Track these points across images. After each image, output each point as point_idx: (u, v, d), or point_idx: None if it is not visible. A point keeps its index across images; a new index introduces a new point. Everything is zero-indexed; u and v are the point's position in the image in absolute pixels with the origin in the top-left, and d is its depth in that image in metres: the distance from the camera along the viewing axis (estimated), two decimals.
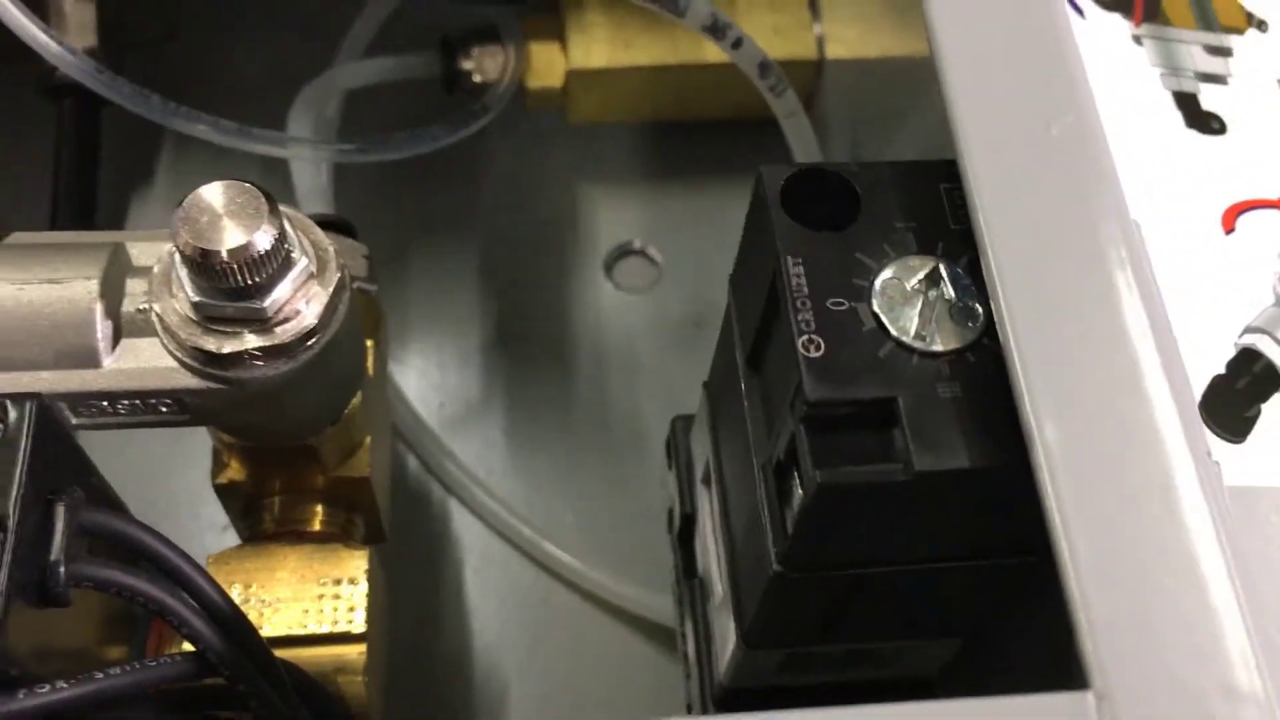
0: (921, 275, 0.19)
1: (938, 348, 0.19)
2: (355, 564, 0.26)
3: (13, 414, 0.20)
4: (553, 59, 0.37)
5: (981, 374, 0.19)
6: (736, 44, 0.32)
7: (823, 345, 0.19)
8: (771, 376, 0.21)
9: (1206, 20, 0.32)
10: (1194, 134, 0.29)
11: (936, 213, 0.20)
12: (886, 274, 0.19)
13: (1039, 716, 0.15)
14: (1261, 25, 0.32)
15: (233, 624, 0.22)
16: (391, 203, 0.39)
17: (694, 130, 0.39)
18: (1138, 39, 0.31)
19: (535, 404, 0.37)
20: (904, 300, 0.19)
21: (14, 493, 0.19)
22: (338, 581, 0.25)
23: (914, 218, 0.20)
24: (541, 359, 0.38)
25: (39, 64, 0.33)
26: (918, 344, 0.19)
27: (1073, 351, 0.18)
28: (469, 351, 0.38)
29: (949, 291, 0.19)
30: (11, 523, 0.19)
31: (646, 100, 0.38)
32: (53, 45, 0.32)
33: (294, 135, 0.35)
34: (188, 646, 0.22)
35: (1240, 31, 0.32)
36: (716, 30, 0.32)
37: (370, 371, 0.27)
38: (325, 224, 0.28)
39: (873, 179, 0.21)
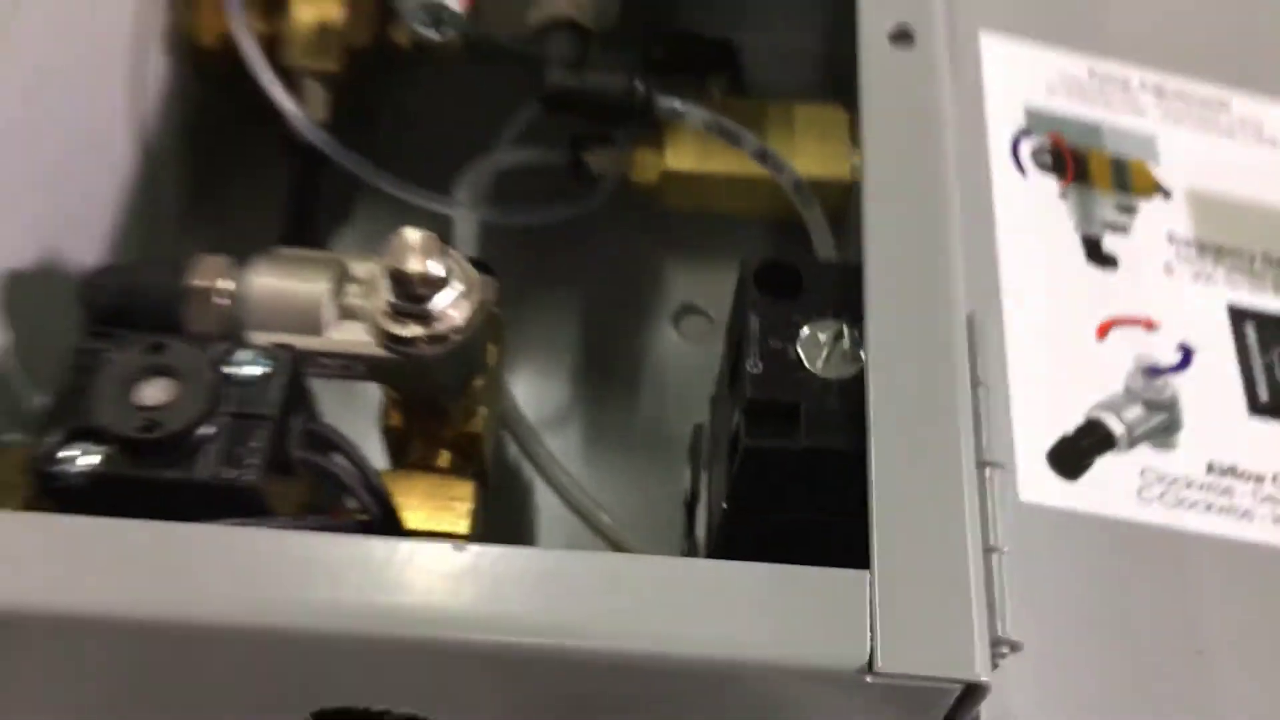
0: (830, 333, 0.31)
1: (831, 376, 0.31)
2: (464, 490, 0.38)
3: (281, 358, 0.33)
4: (652, 161, 0.50)
5: (856, 396, 0.30)
6: (778, 168, 0.44)
7: (761, 367, 0.31)
8: (736, 389, 0.33)
9: (1123, 185, 0.43)
10: (1091, 267, 0.41)
11: (852, 296, 0.32)
12: (808, 330, 0.31)
13: (831, 582, 0.27)
14: (1166, 194, 0.43)
15: (387, 506, 0.35)
16: (519, 254, 0.52)
17: (751, 224, 0.51)
18: (1064, 194, 0.42)
19: (606, 420, 0.50)
20: (817, 346, 0.31)
21: (279, 402, 0.32)
22: (451, 499, 0.38)
23: (837, 298, 0.32)
24: (616, 387, 0.51)
25: (284, 127, 0.47)
26: (820, 373, 0.31)
27: (906, 388, 0.29)
28: (561, 373, 0.51)
29: (846, 344, 0.31)
30: (273, 414, 0.32)
31: (719, 198, 0.51)
32: (299, 115, 0.46)
33: (459, 200, 0.48)
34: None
35: (1148, 196, 0.43)
36: (764, 157, 0.44)
37: (490, 365, 0.40)
38: (474, 263, 0.42)
39: (818, 271, 0.33)
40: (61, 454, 0.31)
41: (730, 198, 0.50)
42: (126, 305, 0.36)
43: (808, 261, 0.33)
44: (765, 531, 0.32)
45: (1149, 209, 0.43)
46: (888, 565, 0.27)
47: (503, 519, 0.45)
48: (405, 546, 0.28)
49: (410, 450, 0.39)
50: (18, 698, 0.33)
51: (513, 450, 0.48)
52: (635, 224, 0.52)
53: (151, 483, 0.30)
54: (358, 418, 0.40)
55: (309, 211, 0.49)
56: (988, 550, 0.29)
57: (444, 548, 0.28)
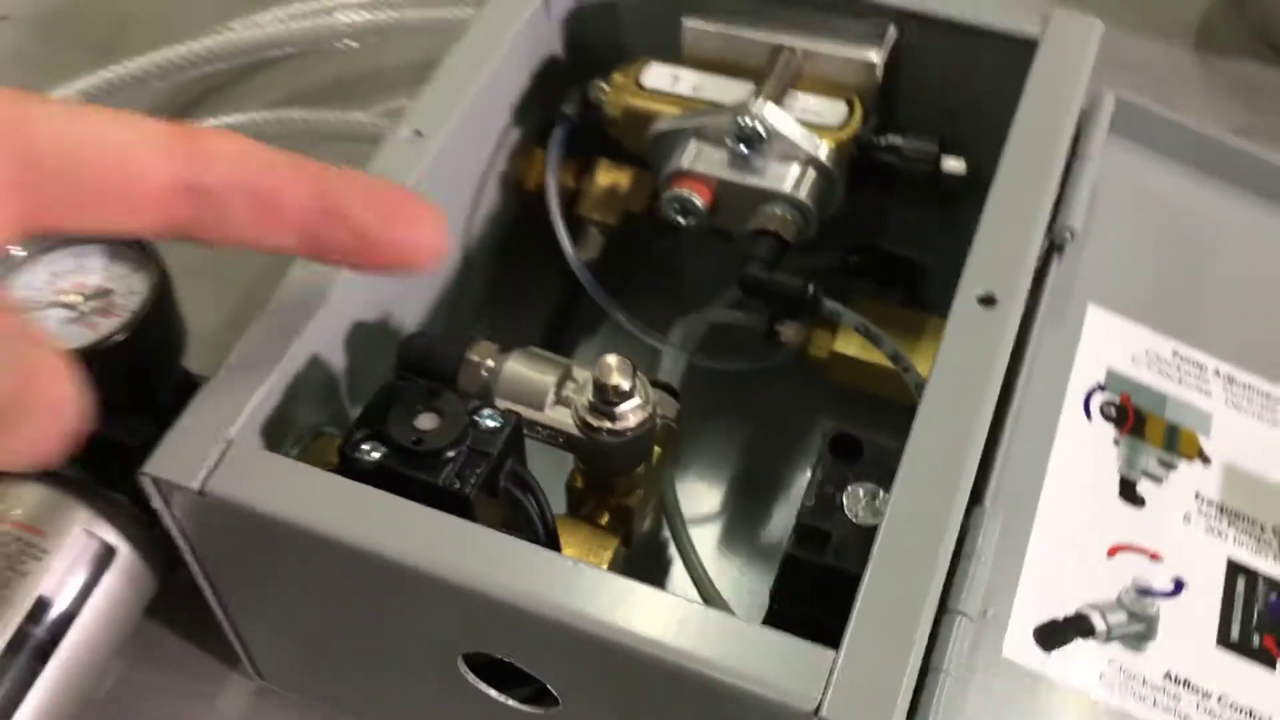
0: (868, 493, 0.45)
1: (861, 522, 0.44)
2: (610, 544, 0.53)
3: (510, 419, 0.50)
4: (825, 342, 0.65)
5: (871, 540, 0.44)
6: (905, 368, 0.58)
7: (814, 502, 0.45)
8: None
9: (1170, 445, 0.54)
10: (1121, 502, 0.52)
11: (893, 470, 0.46)
12: (854, 487, 0.45)
13: (811, 652, 0.40)
14: (1206, 460, 0.54)
15: (553, 538, 0.50)
16: (711, 387, 0.67)
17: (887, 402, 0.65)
18: (1117, 440, 0.54)
19: (741, 527, 0.64)
20: (857, 500, 0.45)
21: (500, 447, 0.49)
22: (599, 547, 0.53)
23: (884, 471, 0.46)
24: (756, 504, 0.65)
25: (563, 260, 0.65)
26: (854, 519, 0.44)
27: (904, 544, 0.43)
28: (719, 483, 0.65)
29: (877, 503, 0.45)
30: (494, 454, 0.48)
31: (872, 382, 0.64)
32: (571, 252, 0.64)
33: (671, 340, 0.64)
34: None
35: (1190, 459, 0.54)
36: (896, 359, 0.58)
37: (654, 461, 0.55)
38: (664, 387, 0.58)
39: (879, 450, 0.47)
40: (361, 447, 0.48)
41: (879, 383, 0.64)
42: (423, 361, 0.53)
43: (874, 441, 0.47)
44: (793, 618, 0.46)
45: (1187, 469, 0.54)
46: (850, 652, 0.40)
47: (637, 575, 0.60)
48: (561, 558, 0.43)
49: (583, 506, 0.55)
50: (296, 589, 0.50)
51: (665, 534, 0.63)
52: (804, 385, 0.66)
53: (408, 478, 0.47)
54: (556, 474, 0.56)
55: (564, 326, 0.67)
56: (932, 669, 0.42)
57: (583, 565, 0.43)
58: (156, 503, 0.46)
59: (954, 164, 0.60)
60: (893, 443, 0.46)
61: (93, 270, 0.52)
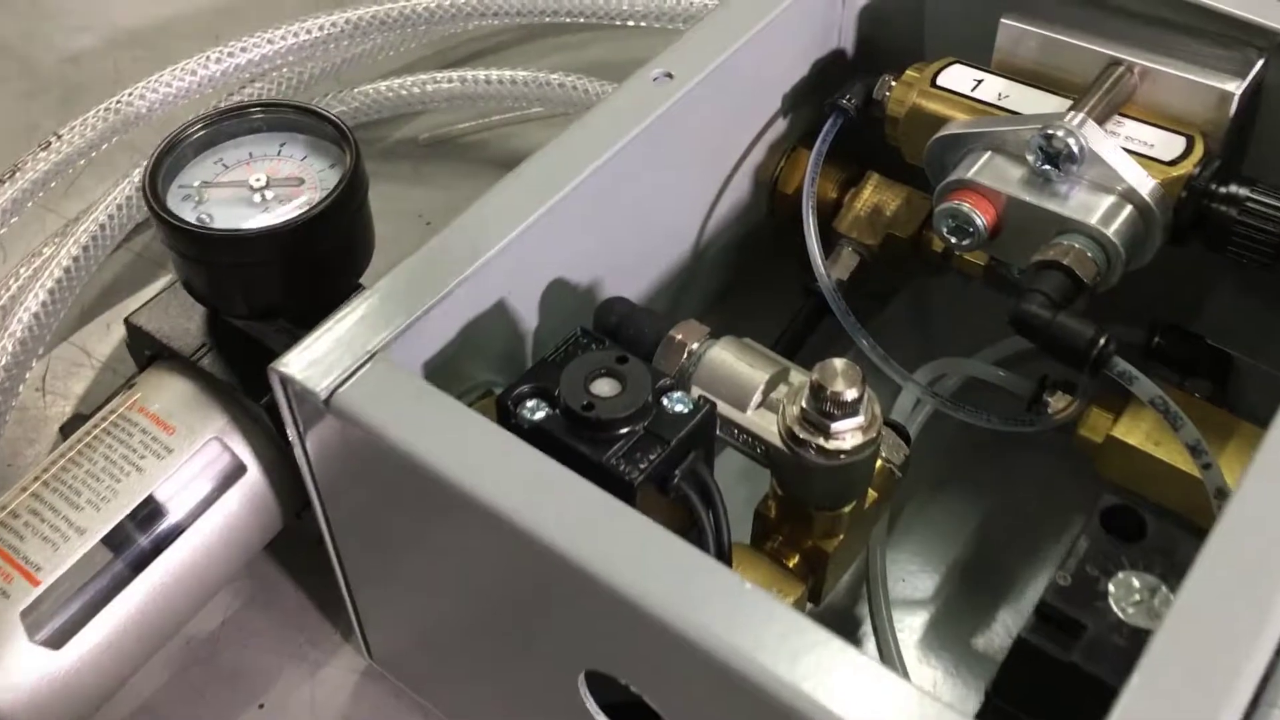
0: (1147, 586, 0.34)
1: (1128, 620, 0.33)
2: (794, 590, 0.44)
3: (703, 408, 0.41)
4: (1103, 424, 0.53)
5: (1141, 647, 0.32)
6: (1206, 465, 0.46)
7: (1069, 581, 0.34)
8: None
9: None
10: None
11: (1184, 563, 0.34)
12: (1127, 574, 0.34)
13: None
14: None
15: (726, 555, 0.41)
16: (939, 446, 0.56)
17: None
18: None
19: (953, 620, 0.53)
20: (1129, 590, 0.34)
21: (683, 437, 0.40)
22: (779, 592, 0.44)
23: (1171, 564, 0.34)
24: (979, 593, 0.53)
25: (809, 274, 0.56)
26: (1120, 613, 0.33)
27: (1180, 664, 0.31)
28: (940, 556, 0.54)
29: (1156, 603, 0.33)
30: (674, 442, 0.40)
31: (1151, 484, 0.52)
32: (821, 270, 0.55)
33: (915, 378, 0.54)
34: None
35: None
36: (1197, 451, 0.46)
37: (865, 506, 0.45)
38: (895, 426, 0.48)
39: (1168, 534, 0.35)
40: (525, 402, 0.41)
41: (1163, 487, 0.51)
42: (621, 327, 0.45)
43: (1163, 523, 0.35)
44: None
45: None
46: None
47: None
48: (743, 583, 0.34)
49: (770, 539, 0.46)
50: (417, 554, 0.43)
51: (863, 608, 0.52)
52: (1065, 472, 0.55)
53: (569, 448, 0.39)
54: (749, 496, 0.47)
55: (798, 345, 0.58)
56: None
57: (770, 597, 0.33)
58: (284, 410, 0.40)
59: None
60: (1187, 532, 0.35)
61: (290, 157, 0.47)
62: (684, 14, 0.74)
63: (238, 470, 0.47)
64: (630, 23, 0.75)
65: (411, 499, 0.40)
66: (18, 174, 0.64)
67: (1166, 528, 0.35)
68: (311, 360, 0.39)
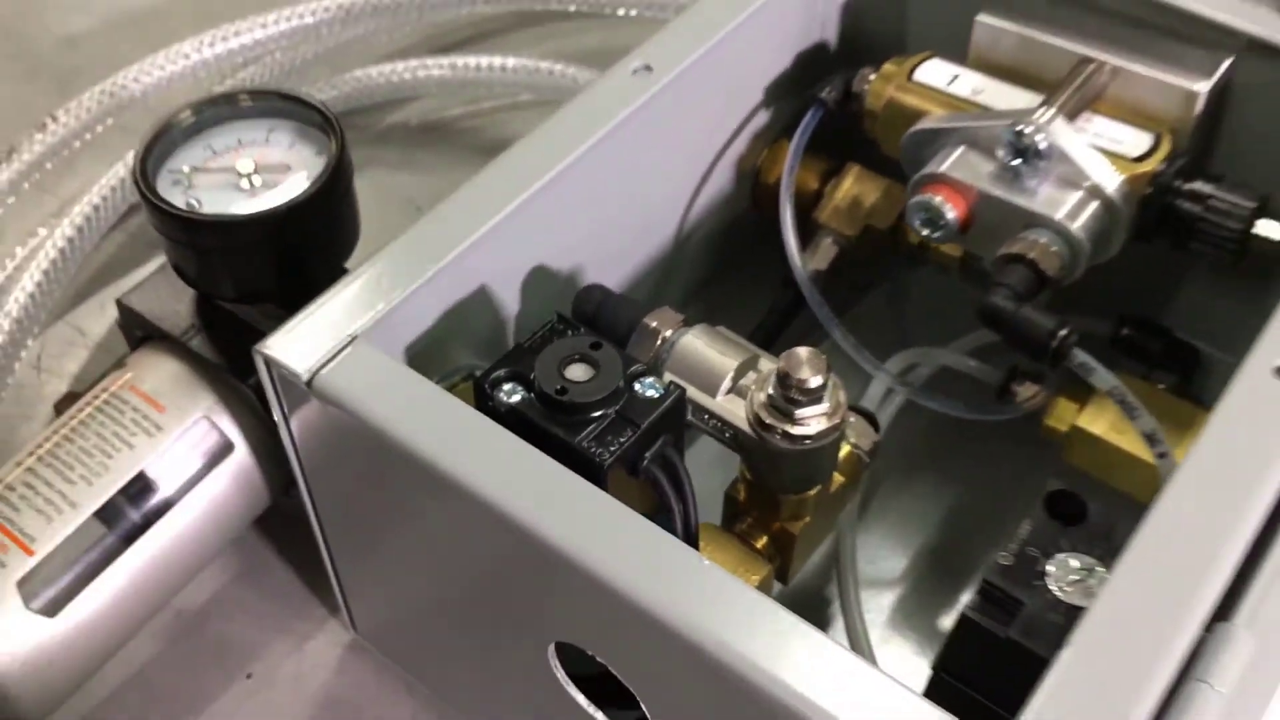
0: (1084, 566, 0.35)
1: (1065, 599, 0.35)
2: (760, 571, 0.45)
3: (673, 393, 0.42)
4: (1068, 414, 0.54)
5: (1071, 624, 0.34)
6: (1161, 454, 0.47)
7: (1011, 562, 0.35)
8: None
9: None
10: None
11: (1121, 545, 0.36)
12: (1066, 555, 0.36)
13: None
14: None
15: (693, 535, 0.42)
16: (923, 431, 0.58)
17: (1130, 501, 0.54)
18: None
19: (921, 600, 0.54)
20: (1066, 570, 0.35)
21: (653, 421, 0.41)
22: (746, 572, 0.45)
23: (1109, 547, 0.36)
24: (945, 576, 0.55)
25: (784, 263, 0.57)
26: (1057, 591, 0.35)
27: (1113, 640, 0.33)
28: (908, 540, 0.56)
29: (1092, 582, 0.35)
30: (644, 426, 0.41)
31: (1115, 472, 0.54)
32: (796, 261, 0.56)
33: (886, 368, 0.56)
34: None
35: None
36: (1153, 440, 0.48)
37: (831, 490, 0.47)
38: (863, 413, 0.49)
39: (1106, 517, 0.37)
40: (501, 385, 0.42)
41: (1125, 474, 0.53)
42: (597, 315, 0.47)
43: (1104, 508, 0.37)
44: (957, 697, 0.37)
45: None
46: None
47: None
48: (704, 562, 0.35)
49: (740, 521, 0.47)
50: (396, 528, 0.44)
51: (832, 590, 0.54)
52: (1032, 460, 0.56)
53: (542, 430, 0.41)
54: (725, 480, 0.48)
55: (776, 334, 0.59)
56: None
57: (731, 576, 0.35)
58: (269, 390, 0.41)
59: (1272, 228, 0.49)
60: (1127, 515, 0.36)
61: (277, 144, 0.49)
62: (675, 3, 0.75)
63: (226, 448, 0.49)
64: (621, 11, 0.76)
65: (390, 479, 0.41)
66: (14, 155, 0.65)
67: (1107, 512, 0.36)
68: (294, 343, 0.40)
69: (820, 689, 0.32)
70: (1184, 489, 0.36)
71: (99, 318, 0.65)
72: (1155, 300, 0.58)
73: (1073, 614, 0.34)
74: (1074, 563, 0.35)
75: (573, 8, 0.75)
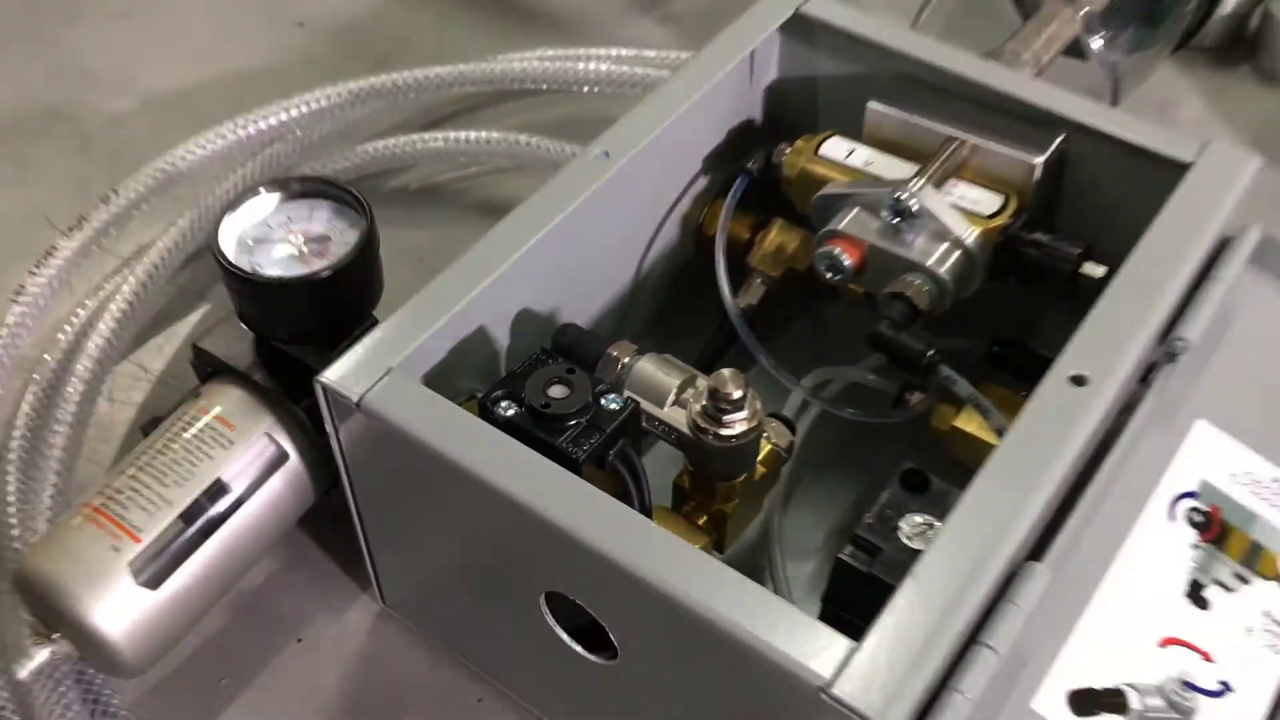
0: (925, 523, 0.49)
1: (912, 545, 0.48)
2: (699, 542, 0.59)
3: (629, 405, 0.56)
4: (948, 416, 0.68)
5: (915, 559, 0.48)
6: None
7: (874, 520, 0.49)
8: None
9: (1249, 562, 0.55)
10: (1186, 601, 0.54)
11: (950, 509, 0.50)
12: (913, 515, 0.49)
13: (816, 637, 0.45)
14: None
15: (647, 512, 0.56)
16: (829, 439, 0.72)
17: None
18: (1195, 545, 0.55)
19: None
20: (913, 526, 0.49)
21: (614, 426, 0.55)
22: (691, 539, 0.59)
23: (942, 506, 0.50)
24: None
25: (721, 306, 0.71)
26: (905, 540, 0.49)
27: (941, 568, 0.47)
28: (826, 524, 0.70)
29: (930, 534, 0.49)
30: (608, 431, 0.55)
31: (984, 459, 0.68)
32: (728, 299, 0.70)
33: (803, 384, 0.70)
34: None
35: (1266, 578, 0.55)
36: (1002, 435, 0.62)
37: (755, 479, 0.61)
38: (781, 419, 0.63)
39: (944, 491, 0.51)
40: (500, 403, 0.56)
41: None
42: (572, 348, 0.61)
43: (942, 483, 0.51)
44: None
45: (1260, 586, 0.55)
46: (869, 647, 0.45)
47: None
48: (646, 522, 0.49)
49: (685, 504, 0.61)
50: (421, 514, 0.58)
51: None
52: (924, 455, 0.70)
53: (532, 436, 0.54)
54: (669, 472, 0.62)
55: (718, 356, 0.73)
56: (949, 689, 0.46)
57: (663, 530, 0.49)
58: (324, 409, 0.55)
59: (1093, 268, 0.63)
60: (958, 487, 0.50)
61: (317, 219, 0.62)
62: (629, 80, 0.89)
63: (281, 457, 0.62)
64: (585, 88, 0.90)
65: (419, 473, 0.55)
66: (84, 223, 0.79)
67: (943, 486, 0.50)
68: (344, 374, 0.54)
69: (741, 611, 0.46)
70: (996, 468, 0.50)
71: (157, 357, 0.79)
72: (1019, 324, 0.72)
73: (915, 555, 0.48)
74: (918, 519, 0.49)
75: (545, 86, 0.89)
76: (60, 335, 0.76)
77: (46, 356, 0.75)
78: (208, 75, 0.97)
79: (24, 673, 0.57)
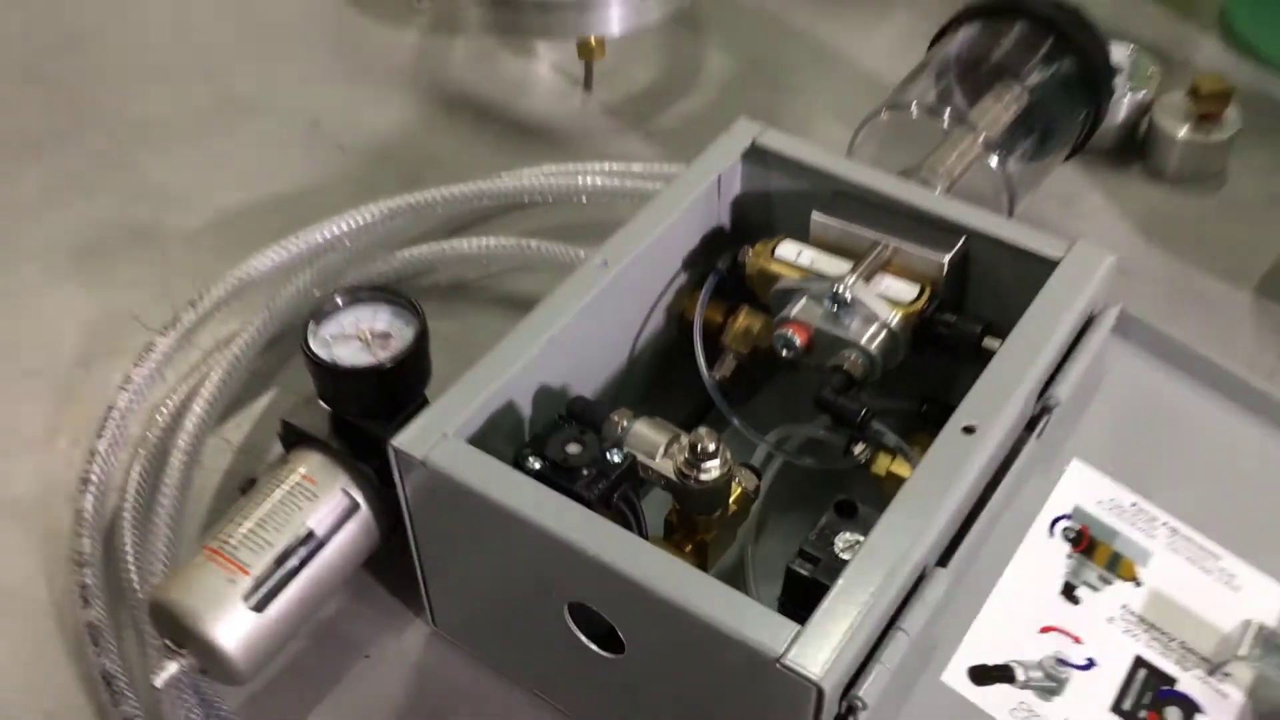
0: (854, 540, 0.66)
1: (844, 557, 0.65)
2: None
3: (628, 457, 0.73)
4: (885, 465, 0.85)
5: (845, 566, 0.64)
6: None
7: (814, 539, 0.66)
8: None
9: (1111, 567, 0.72)
10: (1060, 599, 0.70)
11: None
12: (844, 533, 0.66)
13: (771, 623, 0.61)
14: (1138, 584, 0.71)
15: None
16: (791, 484, 0.88)
17: None
18: (1069, 556, 0.72)
19: None
20: (845, 542, 0.66)
21: (617, 474, 0.71)
22: None
23: (867, 528, 0.66)
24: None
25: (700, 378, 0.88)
26: (838, 553, 0.65)
27: (863, 574, 0.63)
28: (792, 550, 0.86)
29: (857, 548, 0.65)
30: (613, 478, 0.71)
31: None
32: (705, 374, 0.87)
33: (767, 440, 0.86)
34: None
35: (1125, 580, 0.72)
36: None
37: (729, 515, 0.77)
38: (749, 467, 0.80)
39: (869, 516, 0.67)
40: (528, 458, 0.72)
41: None
42: (582, 414, 0.77)
43: (869, 510, 0.67)
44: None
45: (1121, 587, 0.71)
46: (810, 630, 0.61)
47: None
48: (643, 541, 0.65)
49: (674, 535, 0.77)
50: (469, 546, 0.74)
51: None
52: (869, 496, 0.87)
53: (554, 482, 0.71)
54: (662, 509, 0.78)
55: (700, 418, 0.89)
56: (874, 661, 0.62)
57: (656, 547, 0.65)
58: (393, 466, 0.72)
59: (991, 342, 0.80)
60: (879, 513, 0.67)
61: (380, 319, 0.79)
62: (619, 191, 1.07)
63: (354, 508, 0.79)
64: (582, 199, 1.08)
65: (468, 514, 0.71)
66: (177, 323, 0.96)
67: (867, 511, 0.67)
68: (410, 439, 0.70)
69: (717, 606, 0.62)
70: (904, 498, 0.66)
71: (238, 431, 0.95)
72: (940, 385, 0.89)
73: (845, 563, 0.64)
74: (849, 536, 0.65)
75: (551, 199, 1.07)
76: (158, 416, 0.92)
77: (148, 434, 0.91)
78: (262, 195, 1.15)
79: (159, 680, 0.73)
